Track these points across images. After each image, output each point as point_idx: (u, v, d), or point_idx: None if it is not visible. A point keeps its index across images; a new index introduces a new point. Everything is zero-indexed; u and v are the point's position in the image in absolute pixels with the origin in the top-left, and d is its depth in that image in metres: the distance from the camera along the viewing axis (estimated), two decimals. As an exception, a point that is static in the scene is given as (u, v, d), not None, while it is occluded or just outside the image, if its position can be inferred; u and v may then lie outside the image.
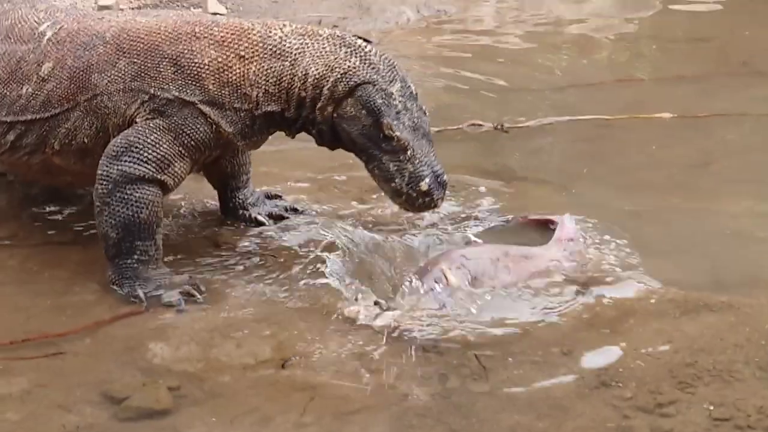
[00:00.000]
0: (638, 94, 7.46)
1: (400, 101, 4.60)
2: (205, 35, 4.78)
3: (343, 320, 4.42)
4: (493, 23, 9.18)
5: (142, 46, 4.82)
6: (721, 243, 5.19)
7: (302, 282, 4.71)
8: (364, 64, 4.64)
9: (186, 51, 4.77)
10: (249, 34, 4.77)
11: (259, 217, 5.37)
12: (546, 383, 4.05)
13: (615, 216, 5.36)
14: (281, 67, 4.71)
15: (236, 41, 4.76)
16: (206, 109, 4.71)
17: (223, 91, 4.72)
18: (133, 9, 7.57)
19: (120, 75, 4.81)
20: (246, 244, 5.15)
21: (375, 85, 4.61)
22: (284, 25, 4.81)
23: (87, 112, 4.88)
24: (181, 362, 4.22)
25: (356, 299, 4.49)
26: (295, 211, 5.43)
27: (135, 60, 4.80)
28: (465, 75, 7.77)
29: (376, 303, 4.46)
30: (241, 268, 4.90)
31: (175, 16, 5.01)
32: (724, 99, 7.22)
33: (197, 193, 5.53)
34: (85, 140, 4.90)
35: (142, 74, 4.78)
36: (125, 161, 4.66)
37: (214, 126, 4.73)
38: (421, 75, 7.76)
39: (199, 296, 4.63)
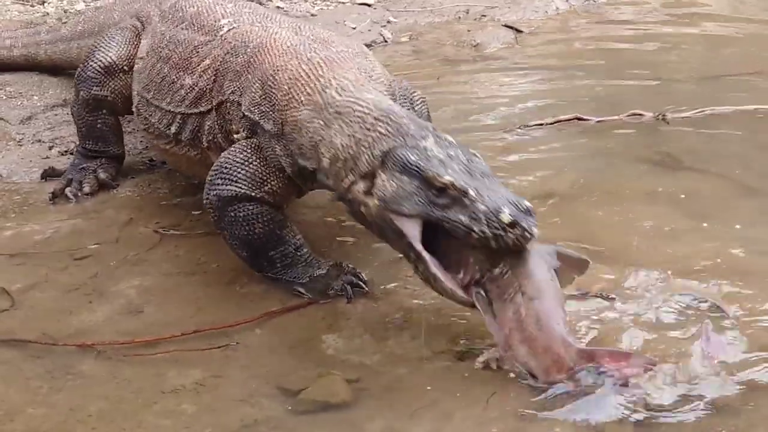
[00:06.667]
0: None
1: (439, 152, 4.08)
2: (292, 67, 4.50)
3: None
4: (641, 13, 8.90)
5: (256, 62, 4.64)
6: None
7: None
8: (391, 127, 4.16)
9: (270, 78, 4.55)
10: (315, 79, 4.42)
11: None
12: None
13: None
14: (318, 123, 4.34)
15: (303, 83, 4.45)
16: (275, 142, 4.50)
17: (284, 129, 4.46)
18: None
19: (239, 88, 4.68)
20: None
21: (404, 146, 4.11)
22: (347, 77, 4.41)
23: (218, 115, 4.81)
24: (356, 354, 4.14)
25: None
26: None
27: (249, 76, 4.64)
28: (620, 65, 7.52)
29: None
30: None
31: (307, 38, 4.70)
32: None
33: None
34: (222, 143, 4.82)
35: (245, 91, 4.64)
36: (218, 185, 4.54)
37: (279, 162, 4.52)
38: (576, 64, 7.56)
39: (364, 285, 4.52)
